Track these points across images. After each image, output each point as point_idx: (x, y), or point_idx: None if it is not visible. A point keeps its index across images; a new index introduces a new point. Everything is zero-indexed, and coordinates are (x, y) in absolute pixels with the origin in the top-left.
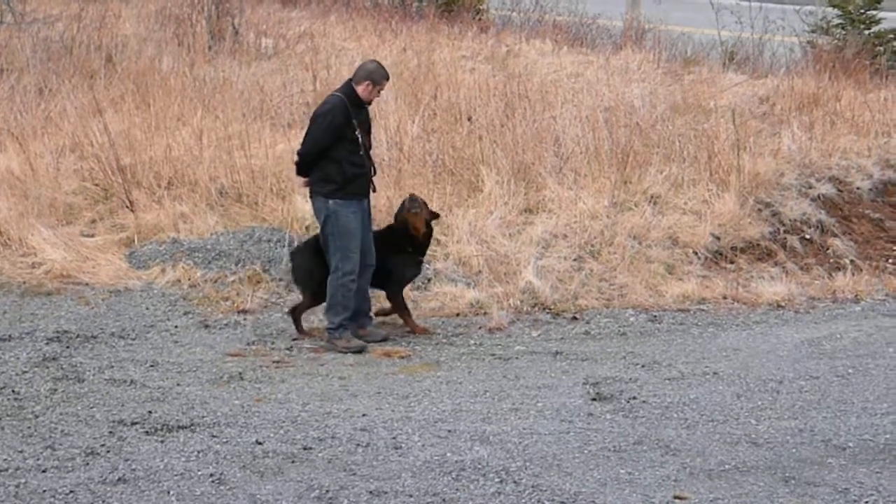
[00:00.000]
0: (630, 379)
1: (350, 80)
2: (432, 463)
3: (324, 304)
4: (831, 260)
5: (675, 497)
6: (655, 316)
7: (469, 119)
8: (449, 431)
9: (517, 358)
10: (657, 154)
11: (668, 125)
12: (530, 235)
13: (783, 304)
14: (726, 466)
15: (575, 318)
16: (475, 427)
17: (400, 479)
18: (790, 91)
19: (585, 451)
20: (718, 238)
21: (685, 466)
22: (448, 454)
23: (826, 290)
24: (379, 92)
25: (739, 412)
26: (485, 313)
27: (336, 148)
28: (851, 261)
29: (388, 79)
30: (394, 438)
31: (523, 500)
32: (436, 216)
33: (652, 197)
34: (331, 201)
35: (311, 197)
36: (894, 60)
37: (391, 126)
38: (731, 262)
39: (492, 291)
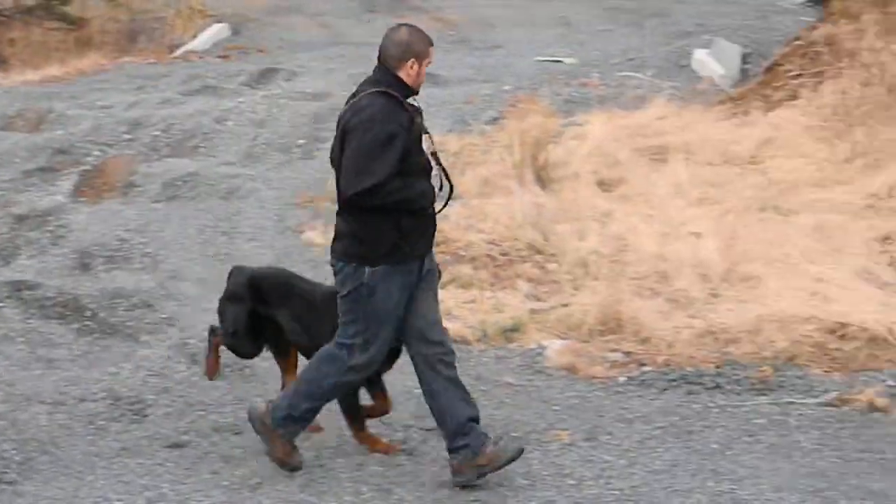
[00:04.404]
0: None
1: (382, 66)
2: None
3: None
4: None
5: None
6: None
7: None
8: None
9: None
10: None
11: None
12: None
13: None
14: None
15: None
16: None
17: None
18: None
19: None
20: None
21: None
22: None
23: None
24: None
25: None
26: None
27: (392, 180)
28: None
29: (432, 44)
30: None
31: None
32: None
33: None
34: (368, 269)
35: (332, 256)
36: None
37: None
38: None
39: None
